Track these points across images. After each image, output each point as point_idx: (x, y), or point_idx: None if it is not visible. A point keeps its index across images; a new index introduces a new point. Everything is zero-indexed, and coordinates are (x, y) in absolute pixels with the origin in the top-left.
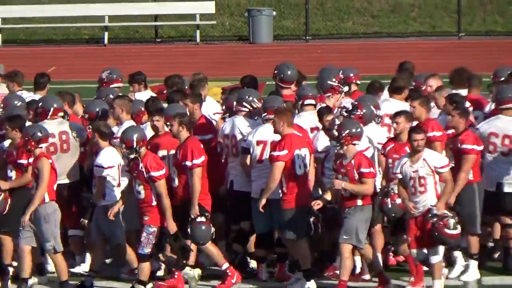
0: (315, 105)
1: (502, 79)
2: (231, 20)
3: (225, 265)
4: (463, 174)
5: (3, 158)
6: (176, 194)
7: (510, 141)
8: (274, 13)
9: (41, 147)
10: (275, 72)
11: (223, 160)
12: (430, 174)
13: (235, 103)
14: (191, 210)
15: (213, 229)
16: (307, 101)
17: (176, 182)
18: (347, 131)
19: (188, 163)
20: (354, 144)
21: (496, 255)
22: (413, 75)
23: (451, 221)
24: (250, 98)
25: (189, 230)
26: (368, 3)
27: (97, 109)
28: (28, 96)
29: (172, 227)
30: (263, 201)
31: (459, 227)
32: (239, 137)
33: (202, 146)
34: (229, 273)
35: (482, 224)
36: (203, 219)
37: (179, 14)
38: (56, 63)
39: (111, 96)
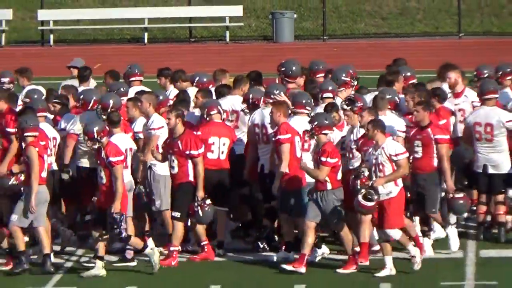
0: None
1: (486, 75)
2: (257, 22)
3: (205, 242)
4: (444, 164)
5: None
6: (174, 180)
7: (491, 128)
8: (295, 15)
9: (31, 136)
10: (281, 68)
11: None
12: (386, 162)
13: (263, 96)
14: (197, 193)
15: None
16: (325, 94)
17: (176, 169)
18: (316, 123)
19: (194, 152)
20: (325, 134)
21: (494, 231)
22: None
23: (363, 192)
24: (277, 91)
25: (199, 211)
26: (378, 7)
27: (110, 101)
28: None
29: (117, 208)
30: (277, 184)
31: (372, 198)
32: (269, 126)
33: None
34: (206, 250)
35: (478, 203)
36: (208, 201)
37: (211, 16)
38: (101, 60)
39: (122, 90)
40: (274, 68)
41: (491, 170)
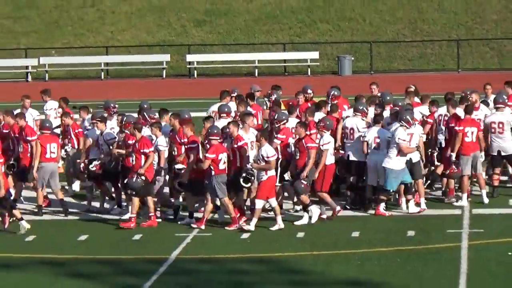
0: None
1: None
2: (328, 62)
3: (152, 213)
4: (311, 161)
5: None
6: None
7: (503, 125)
8: (352, 58)
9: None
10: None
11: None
12: (261, 159)
13: (352, 109)
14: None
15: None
16: (387, 107)
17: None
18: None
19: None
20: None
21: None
22: (418, 93)
23: (244, 175)
24: (361, 108)
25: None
26: (406, 52)
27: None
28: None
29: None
30: (305, 174)
31: (249, 182)
32: (356, 130)
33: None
34: (152, 218)
35: (493, 173)
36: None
37: (298, 58)
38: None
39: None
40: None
41: (502, 153)
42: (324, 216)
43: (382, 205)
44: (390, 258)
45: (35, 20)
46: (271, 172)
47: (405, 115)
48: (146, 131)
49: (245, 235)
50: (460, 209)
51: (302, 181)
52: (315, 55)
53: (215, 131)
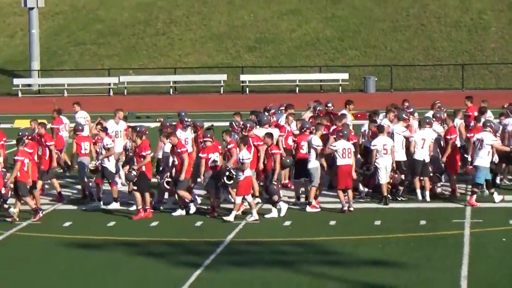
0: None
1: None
2: (355, 82)
3: (147, 207)
4: (277, 165)
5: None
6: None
7: None
8: (376, 78)
9: (76, 134)
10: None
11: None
12: (240, 161)
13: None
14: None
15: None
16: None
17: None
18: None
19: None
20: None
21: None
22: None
23: (226, 174)
24: (404, 115)
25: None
26: (419, 74)
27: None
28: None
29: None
30: (275, 177)
31: (231, 180)
32: (396, 134)
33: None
34: (148, 211)
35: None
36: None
37: (331, 79)
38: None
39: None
40: (364, 105)
41: None
42: (351, 209)
43: (474, 197)
44: (405, 242)
45: (116, 46)
46: (247, 173)
47: (489, 123)
48: (183, 134)
49: (287, 223)
50: (463, 203)
51: (273, 183)
52: (345, 76)
53: (208, 135)
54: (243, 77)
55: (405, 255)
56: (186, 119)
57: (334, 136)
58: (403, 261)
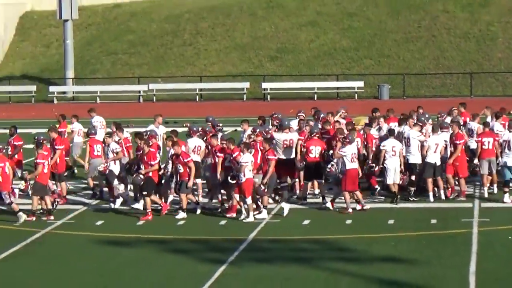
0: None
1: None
2: (370, 89)
3: (148, 210)
4: (271, 169)
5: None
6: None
7: None
8: (389, 86)
9: (89, 137)
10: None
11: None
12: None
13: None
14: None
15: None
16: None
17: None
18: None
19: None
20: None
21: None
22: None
23: (230, 176)
24: (423, 119)
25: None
26: (430, 82)
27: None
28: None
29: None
30: (265, 180)
31: (234, 180)
32: (412, 139)
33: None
34: (149, 213)
35: None
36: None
37: (347, 86)
38: (292, 107)
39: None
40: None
41: None
42: (357, 207)
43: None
44: (417, 240)
45: (146, 55)
46: (248, 175)
47: None
48: (195, 141)
49: (305, 222)
50: (472, 203)
51: (261, 185)
52: (360, 84)
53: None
54: (264, 85)
55: (416, 252)
56: (218, 123)
57: (342, 141)
58: (415, 258)
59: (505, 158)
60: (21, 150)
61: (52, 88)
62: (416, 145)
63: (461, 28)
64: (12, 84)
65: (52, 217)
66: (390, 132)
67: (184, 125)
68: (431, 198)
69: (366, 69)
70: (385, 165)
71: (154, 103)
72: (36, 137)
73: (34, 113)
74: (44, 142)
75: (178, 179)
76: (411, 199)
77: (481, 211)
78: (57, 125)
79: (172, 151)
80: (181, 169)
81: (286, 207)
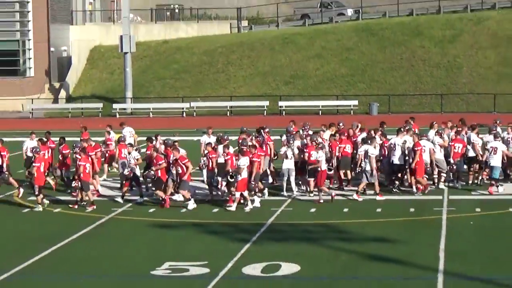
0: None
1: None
2: (363, 106)
3: (165, 197)
4: (254, 170)
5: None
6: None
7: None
8: (378, 104)
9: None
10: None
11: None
12: (240, 166)
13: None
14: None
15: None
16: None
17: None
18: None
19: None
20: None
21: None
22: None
23: (229, 175)
24: (497, 122)
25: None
26: (410, 101)
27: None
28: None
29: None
30: (252, 178)
31: (233, 178)
32: (397, 145)
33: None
34: (166, 202)
35: None
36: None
37: (345, 104)
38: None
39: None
40: (370, 124)
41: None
42: (321, 201)
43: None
44: (399, 225)
45: (188, 80)
46: (244, 175)
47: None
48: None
49: (312, 210)
50: (442, 195)
51: (251, 182)
52: (355, 102)
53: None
54: (280, 103)
55: (399, 234)
56: (250, 132)
57: (316, 147)
58: (397, 239)
59: (491, 160)
60: (69, 155)
61: (115, 105)
62: (399, 150)
63: (433, 59)
64: (84, 102)
65: (94, 207)
66: (363, 141)
67: (174, 134)
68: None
69: (360, 91)
70: (362, 166)
71: (194, 117)
72: (77, 145)
73: (101, 125)
74: (81, 148)
75: (178, 179)
76: (394, 191)
77: (449, 202)
78: (81, 134)
79: (172, 157)
80: (179, 170)
81: (257, 200)
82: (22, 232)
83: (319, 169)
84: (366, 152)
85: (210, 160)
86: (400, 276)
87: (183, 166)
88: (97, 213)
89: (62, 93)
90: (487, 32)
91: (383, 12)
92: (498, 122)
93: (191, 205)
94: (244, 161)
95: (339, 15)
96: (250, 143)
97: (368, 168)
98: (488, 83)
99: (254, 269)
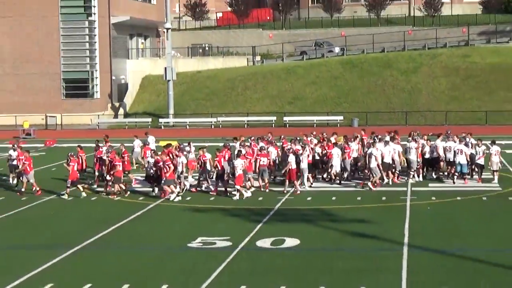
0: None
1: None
2: (346, 121)
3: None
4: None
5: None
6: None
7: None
8: (358, 119)
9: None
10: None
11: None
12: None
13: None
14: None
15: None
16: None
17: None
18: None
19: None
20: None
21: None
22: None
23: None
24: (449, 132)
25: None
26: (382, 117)
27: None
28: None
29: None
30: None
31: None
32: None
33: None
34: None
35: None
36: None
37: (333, 119)
38: (301, 131)
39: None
40: (351, 133)
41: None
42: (298, 192)
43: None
44: (374, 210)
45: (215, 100)
46: (239, 172)
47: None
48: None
49: (309, 198)
50: (406, 187)
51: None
52: (341, 117)
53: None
54: (285, 118)
55: (374, 216)
56: (267, 139)
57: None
58: (373, 220)
59: (458, 158)
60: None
61: (160, 120)
62: (379, 155)
63: (400, 85)
64: (137, 117)
65: (118, 197)
66: (336, 145)
67: (228, 140)
68: (386, 180)
69: (344, 109)
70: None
71: (220, 128)
72: (109, 150)
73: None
74: (110, 153)
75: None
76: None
77: (412, 192)
78: (104, 142)
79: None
80: (165, 169)
81: (248, 193)
82: (88, 214)
83: (290, 168)
84: (370, 154)
85: (219, 161)
86: (375, 248)
87: (167, 166)
88: (147, 200)
89: (121, 111)
90: (440, 64)
91: (362, 49)
92: (449, 132)
93: (174, 196)
94: (239, 162)
95: (329, 52)
96: (243, 150)
97: (373, 165)
98: (441, 103)
99: (265, 243)
